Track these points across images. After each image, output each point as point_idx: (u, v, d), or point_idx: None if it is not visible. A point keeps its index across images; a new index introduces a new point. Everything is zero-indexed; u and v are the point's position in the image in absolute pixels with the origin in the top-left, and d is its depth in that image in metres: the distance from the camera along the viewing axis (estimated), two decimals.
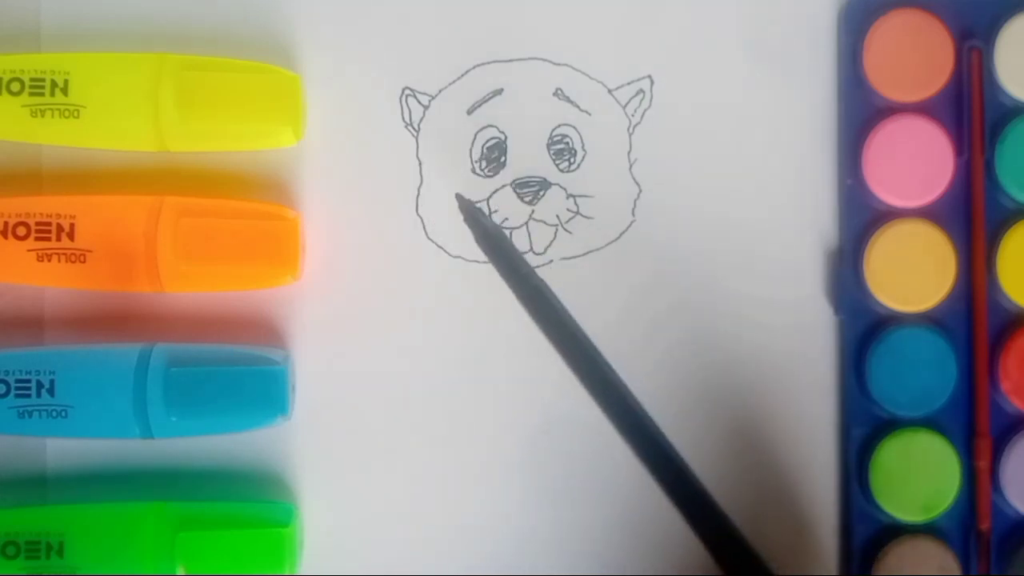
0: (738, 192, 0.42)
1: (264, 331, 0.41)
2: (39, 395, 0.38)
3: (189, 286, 0.40)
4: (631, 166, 0.42)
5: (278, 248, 0.40)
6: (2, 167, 0.41)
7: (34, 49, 0.41)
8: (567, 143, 0.42)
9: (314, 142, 0.41)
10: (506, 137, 0.42)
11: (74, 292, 0.41)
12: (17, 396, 0.38)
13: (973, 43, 0.41)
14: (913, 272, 0.41)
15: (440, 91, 0.42)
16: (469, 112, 0.42)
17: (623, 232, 0.42)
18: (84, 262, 0.39)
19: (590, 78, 0.42)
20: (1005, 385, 0.41)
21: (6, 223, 0.39)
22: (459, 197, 0.38)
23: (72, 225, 0.39)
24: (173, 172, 0.41)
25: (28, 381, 0.38)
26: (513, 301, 0.42)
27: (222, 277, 0.40)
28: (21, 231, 0.39)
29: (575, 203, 0.42)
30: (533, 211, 0.42)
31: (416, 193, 0.42)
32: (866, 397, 0.41)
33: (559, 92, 0.42)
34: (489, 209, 0.42)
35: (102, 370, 0.39)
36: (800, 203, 0.42)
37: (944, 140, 0.41)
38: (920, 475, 0.41)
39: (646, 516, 0.41)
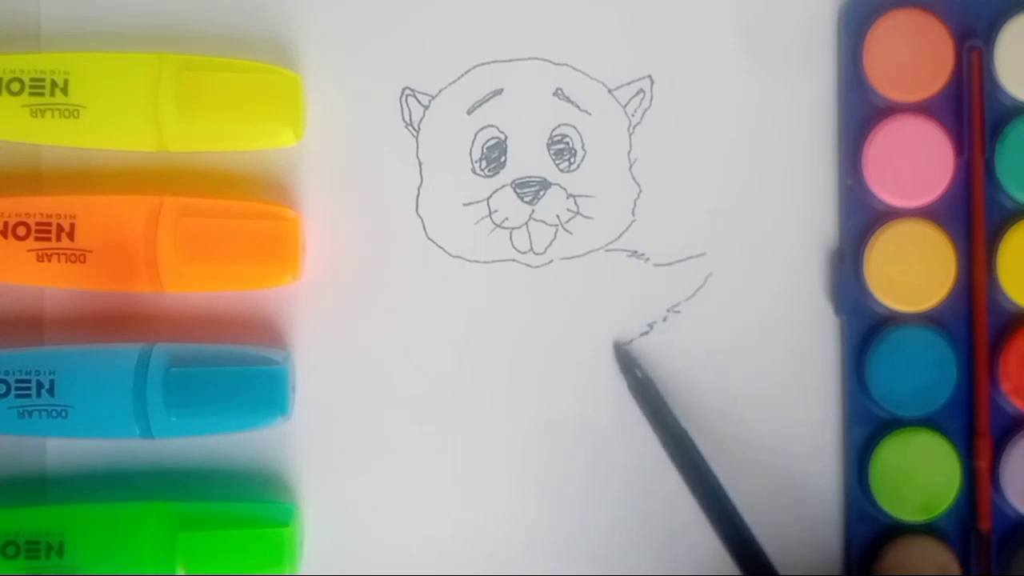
0: (738, 192, 0.42)
1: (264, 331, 0.41)
2: (39, 395, 0.38)
3: (189, 286, 0.40)
4: (631, 166, 0.42)
5: (278, 248, 0.40)
6: (2, 167, 0.41)
7: (34, 49, 0.41)
8: (567, 143, 0.42)
9: (314, 142, 0.41)
10: (506, 137, 0.42)
11: (74, 292, 0.41)
12: (17, 396, 0.38)
13: (973, 43, 0.41)
14: (913, 272, 0.41)
15: (440, 91, 0.42)
16: (469, 112, 0.42)
17: (623, 232, 0.42)
18: (84, 262, 0.39)
19: (590, 78, 0.42)
20: (1005, 385, 0.41)
21: (6, 223, 0.39)
22: (617, 346, 0.41)
23: (72, 225, 0.39)
24: (173, 172, 0.41)
25: (28, 381, 0.38)
26: (512, 301, 0.42)
27: (222, 277, 0.40)
28: (21, 231, 0.39)
29: (575, 203, 0.42)
30: (533, 211, 0.42)
31: (416, 193, 0.42)
32: (866, 397, 0.41)
33: (559, 92, 0.42)
34: (489, 209, 0.42)
35: (102, 370, 0.39)
36: (800, 203, 0.42)
37: (944, 140, 0.41)
38: (920, 475, 0.41)
39: (645, 516, 0.41)
